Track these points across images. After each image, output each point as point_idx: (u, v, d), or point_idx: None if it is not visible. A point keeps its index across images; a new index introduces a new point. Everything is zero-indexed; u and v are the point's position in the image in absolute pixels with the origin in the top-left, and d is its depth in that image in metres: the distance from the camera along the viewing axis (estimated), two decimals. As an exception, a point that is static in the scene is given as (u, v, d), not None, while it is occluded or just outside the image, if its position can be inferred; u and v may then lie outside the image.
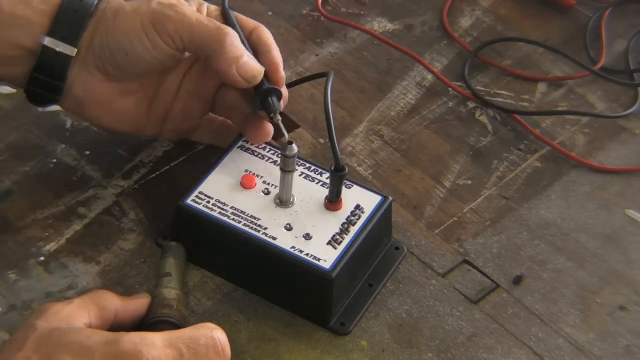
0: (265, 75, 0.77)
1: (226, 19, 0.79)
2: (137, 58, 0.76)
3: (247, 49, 0.77)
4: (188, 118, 0.83)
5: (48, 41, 0.76)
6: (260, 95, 0.76)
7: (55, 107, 0.87)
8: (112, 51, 0.76)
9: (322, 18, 1.01)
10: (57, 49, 0.76)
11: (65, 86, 0.78)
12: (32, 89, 0.78)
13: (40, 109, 0.87)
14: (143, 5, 0.76)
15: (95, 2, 0.77)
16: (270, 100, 0.76)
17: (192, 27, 0.75)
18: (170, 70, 0.81)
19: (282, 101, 0.77)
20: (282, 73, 0.78)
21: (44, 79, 0.77)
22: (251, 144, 0.79)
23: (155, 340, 0.61)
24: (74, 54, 0.77)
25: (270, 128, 0.79)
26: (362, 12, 1.02)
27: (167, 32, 0.75)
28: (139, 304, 0.70)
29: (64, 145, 0.85)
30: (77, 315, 0.65)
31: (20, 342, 0.61)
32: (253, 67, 0.76)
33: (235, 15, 0.81)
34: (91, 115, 0.81)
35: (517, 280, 0.78)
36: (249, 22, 0.81)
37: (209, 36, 0.75)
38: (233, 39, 0.75)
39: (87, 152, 0.85)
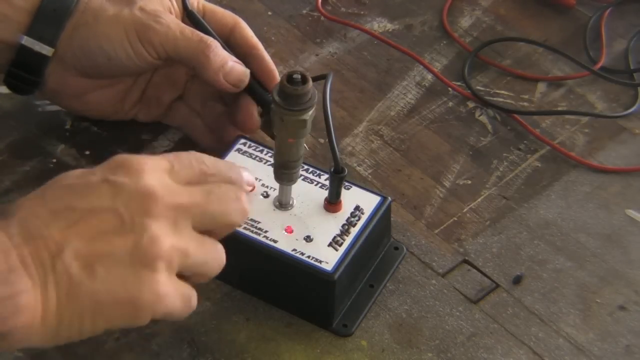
0: (265, 83, 0.79)
1: (196, 25, 0.80)
2: (119, 63, 0.78)
3: (228, 51, 0.78)
4: (160, 103, 0.84)
5: (26, 40, 0.77)
6: (266, 107, 0.79)
7: (55, 107, 0.87)
8: (94, 55, 0.77)
9: (322, 18, 1.01)
10: (35, 49, 0.77)
11: (42, 82, 0.79)
12: (9, 80, 0.79)
13: (40, 109, 0.88)
14: (125, 11, 0.77)
15: (75, 1, 0.77)
16: None
17: (177, 40, 0.77)
18: (148, 71, 0.82)
19: None
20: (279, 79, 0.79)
21: (22, 74, 0.78)
22: (249, 147, 0.79)
23: (147, 157, 0.62)
24: (51, 54, 0.78)
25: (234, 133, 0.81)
26: (362, 12, 1.02)
27: (152, 45, 0.77)
28: None
29: (64, 145, 0.85)
30: None
31: None
32: (239, 72, 0.78)
33: (212, 9, 0.82)
34: (66, 105, 0.84)
35: (517, 280, 0.78)
36: (227, 17, 0.82)
37: (193, 49, 0.77)
38: (216, 49, 0.77)
39: (87, 152, 0.85)
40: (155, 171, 0.61)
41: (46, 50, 0.77)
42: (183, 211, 0.61)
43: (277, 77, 0.80)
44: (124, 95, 0.83)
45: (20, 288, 0.57)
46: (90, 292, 0.58)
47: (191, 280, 0.63)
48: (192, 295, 0.63)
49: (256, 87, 0.80)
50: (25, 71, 0.78)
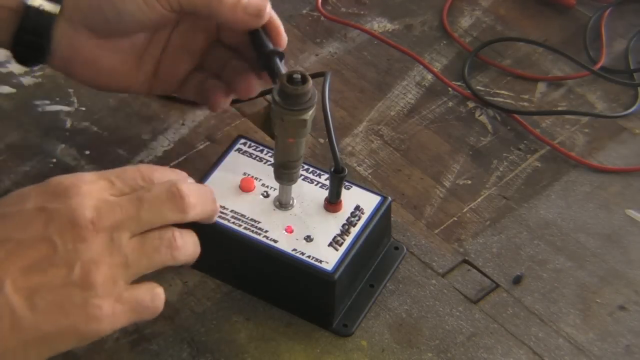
0: (268, 37, 0.77)
1: None
2: (130, 17, 0.75)
3: None
4: (176, 74, 0.82)
5: (31, 0, 0.75)
6: (264, 57, 0.76)
7: (55, 107, 0.87)
8: (103, 10, 0.75)
9: (322, 18, 1.01)
10: (40, 7, 0.75)
11: (52, 45, 0.76)
12: (18, 49, 0.77)
13: (40, 109, 0.87)
14: None
15: None
16: (275, 63, 0.75)
17: None
18: (161, 28, 0.79)
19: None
20: (284, 35, 0.77)
21: (29, 38, 0.76)
22: (249, 147, 0.79)
23: (85, 175, 0.63)
24: (57, 11, 0.75)
25: (255, 87, 0.80)
26: (362, 12, 1.02)
27: None
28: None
29: (64, 145, 0.85)
30: None
31: None
32: (257, 3, 0.76)
33: None
34: (79, 74, 0.80)
35: (517, 280, 0.78)
36: None
37: None
38: None
39: (87, 152, 0.85)
40: (90, 193, 0.62)
41: (52, 7, 0.75)
42: (117, 228, 0.62)
43: (283, 33, 0.78)
44: (137, 61, 0.80)
45: None
46: (33, 324, 0.59)
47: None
48: (149, 298, 0.64)
49: (261, 35, 0.78)
50: (33, 34, 0.75)
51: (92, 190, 0.62)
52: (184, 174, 0.69)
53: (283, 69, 0.75)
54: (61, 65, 0.79)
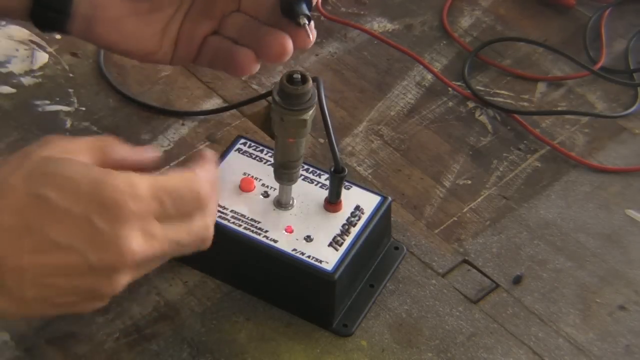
0: None
1: None
2: None
3: None
4: (195, 39, 0.78)
5: None
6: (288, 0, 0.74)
7: (55, 107, 0.87)
8: None
9: (322, 18, 1.01)
10: None
11: (72, 7, 0.74)
12: (37, 11, 0.74)
13: (40, 109, 0.87)
14: None
15: None
16: (300, 4, 0.73)
17: None
18: None
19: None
20: None
21: None
22: (249, 147, 0.79)
23: (139, 188, 0.60)
24: None
25: (289, 43, 0.75)
26: (362, 12, 1.02)
27: None
28: (149, 160, 0.66)
29: (64, 146, 0.85)
30: (78, 153, 0.62)
31: (13, 167, 0.60)
32: None
33: None
34: (100, 37, 0.76)
35: (517, 280, 0.78)
36: None
37: None
38: None
39: (87, 152, 0.85)
40: (138, 218, 0.60)
41: None
42: (149, 262, 0.62)
43: None
44: (164, 27, 0.77)
45: None
46: (40, 312, 0.62)
47: None
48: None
49: None
50: None
51: (140, 214, 0.60)
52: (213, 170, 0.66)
53: (307, 12, 0.72)
54: (82, 28, 0.76)
